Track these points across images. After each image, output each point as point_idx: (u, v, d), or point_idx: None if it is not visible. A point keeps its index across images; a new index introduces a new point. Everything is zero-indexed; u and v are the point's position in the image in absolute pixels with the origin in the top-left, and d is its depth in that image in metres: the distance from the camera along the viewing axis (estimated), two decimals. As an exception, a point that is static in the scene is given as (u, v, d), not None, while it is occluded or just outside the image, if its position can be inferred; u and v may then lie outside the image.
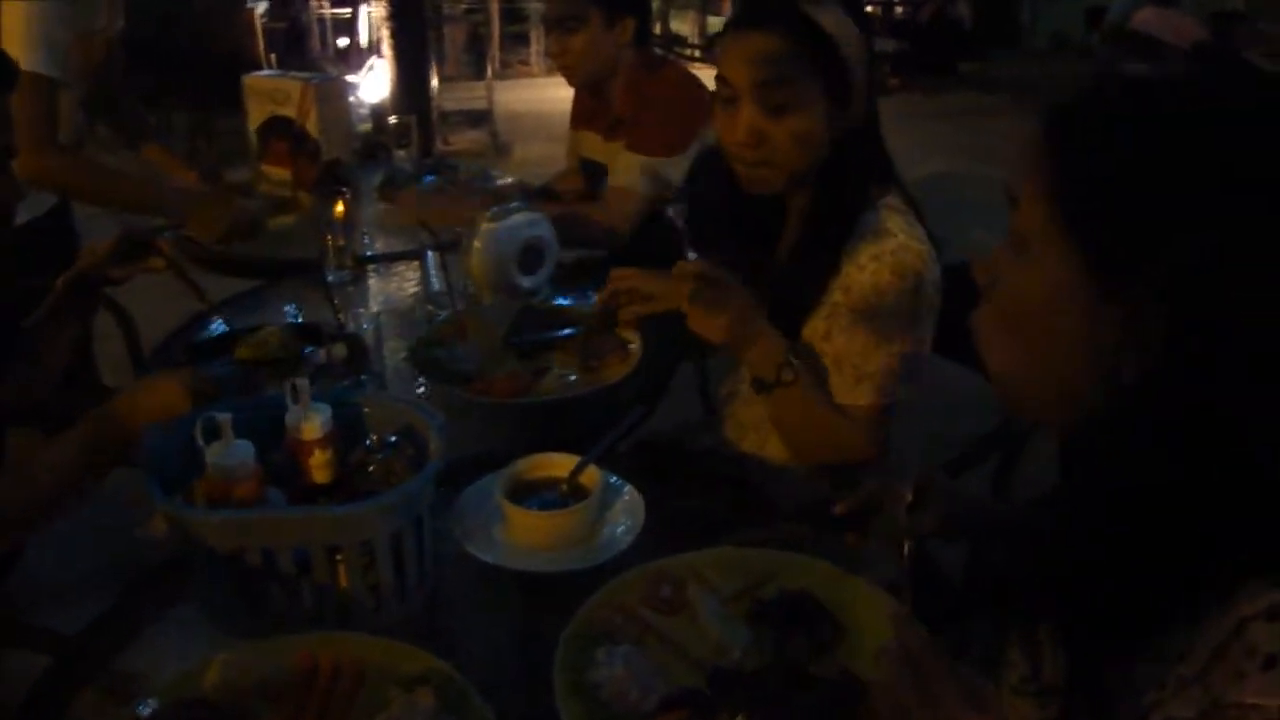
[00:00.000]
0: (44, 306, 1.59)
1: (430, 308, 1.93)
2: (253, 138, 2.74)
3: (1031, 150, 0.78)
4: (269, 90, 2.65)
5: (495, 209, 2.00)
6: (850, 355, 1.47)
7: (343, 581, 1.09)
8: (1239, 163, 0.69)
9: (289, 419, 1.18)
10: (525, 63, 10.07)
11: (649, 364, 1.70)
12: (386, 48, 5.97)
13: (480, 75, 8.07)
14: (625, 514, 1.30)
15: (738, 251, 1.61)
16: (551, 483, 1.33)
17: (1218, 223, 0.69)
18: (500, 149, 6.88)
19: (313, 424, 1.17)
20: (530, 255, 1.99)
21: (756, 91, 1.47)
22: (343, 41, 7.64)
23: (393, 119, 2.95)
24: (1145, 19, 6.52)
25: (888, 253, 1.46)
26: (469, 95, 7.91)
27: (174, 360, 1.78)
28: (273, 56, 6.24)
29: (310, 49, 7.52)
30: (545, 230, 2.00)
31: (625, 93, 2.47)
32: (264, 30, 6.23)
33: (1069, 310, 0.75)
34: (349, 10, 7.62)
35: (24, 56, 1.94)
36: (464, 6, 9.09)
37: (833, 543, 1.26)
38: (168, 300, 1.88)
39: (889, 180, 1.54)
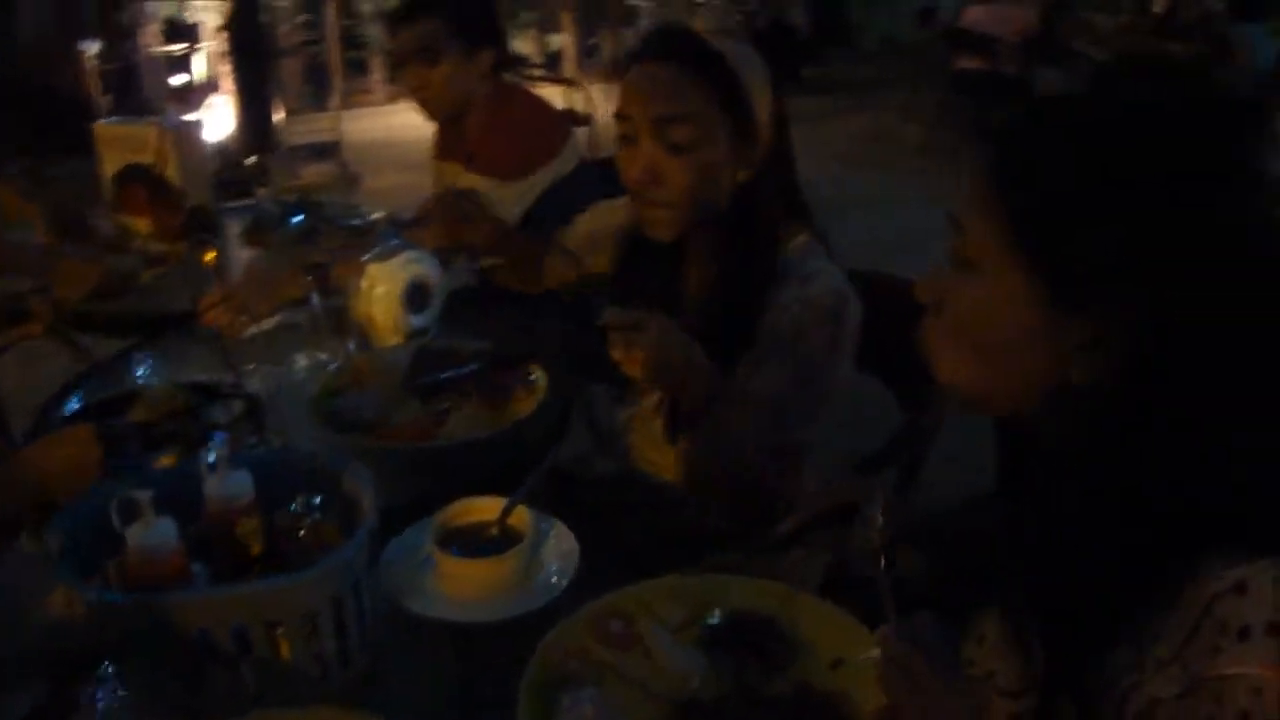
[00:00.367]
0: None
1: (322, 356, 1.88)
2: (108, 187, 2.61)
3: (976, 178, 0.81)
4: (123, 137, 2.54)
5: (376, 249, 1.96)
6: (770, 397, 1.44)
7: (285, 654, 1.05)
8: (1173, 165, 0.74)
9: (209, 489, 1.13)
10: (367, 91, 9.89)
11: (555, 395, 1.68)
12: (227, 83, 5.79)
13: (321, 106, 7.89)
14: (557, 553, 1.29)
15: (639, 293, 1.53)
16: (479, 527, 1.30)
17: (1160, 227, 0.73)
18: (350, 181, 6.72)
19: (235, 492, 1.12)
20: (416, 293, 1.95)
21: (656, 127, 1.42)
22: (178, 79, 7.36)
23: (251, 159, 2.87)
24: (975, 16, 6.83)
25: (810, 296, 1.43)
26: (313, 128, 7.71)
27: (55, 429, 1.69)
28: (107, 99, 5.96)
29: (144, 89, 7.23)
30: (430, 266, 1.97)
31: (480, 123, 2.44)
32: (98, 72, 5.95)
33: (1022, 320, 0.80)
34: (183, 47, 7.35)
35: None
36: (300, 38, 8.89)
37: (763, 564, 1.27)
38: (29, 364, 1.79)
39: (804, 216, 1.52)
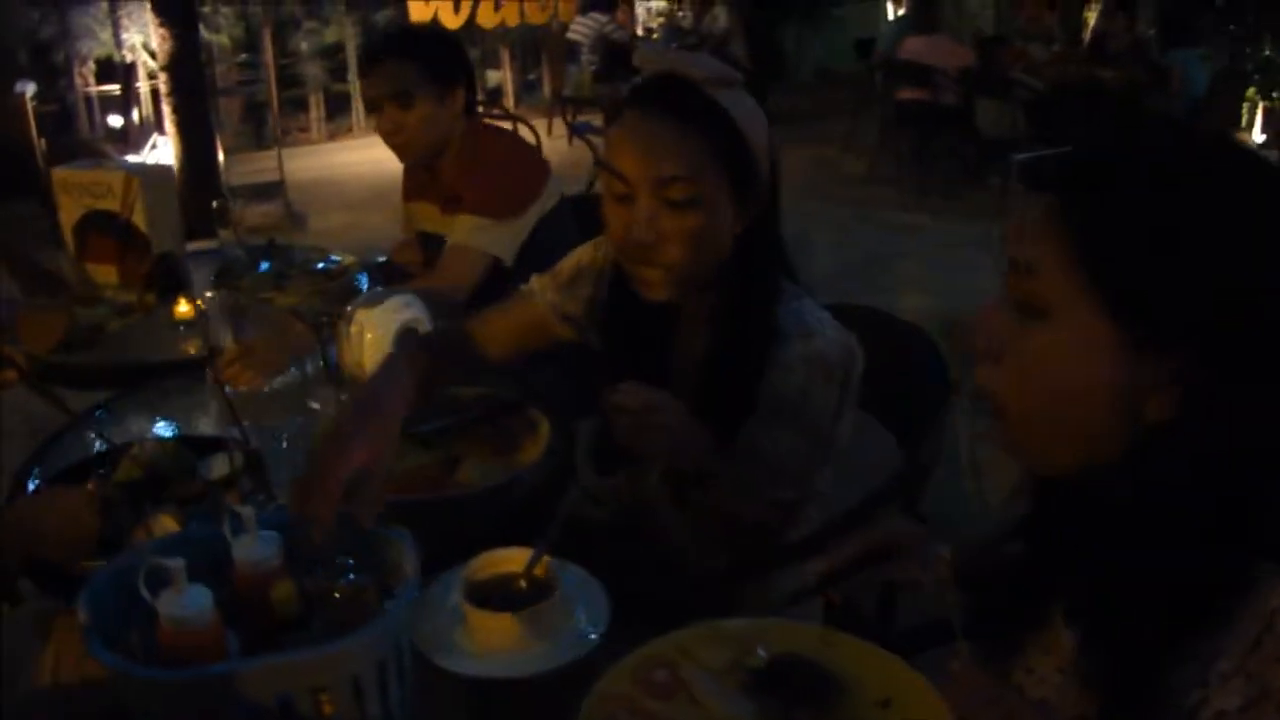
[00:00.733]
0: None
1: (314, 405, 1.84)
2: (67, 234, 2.55)
3: (1046, 221, 0.82)
4: (85, 184, 2.47)
5: (365, 294, 1.93)
6: (779, 458, 1.41)
7: (328, 714, 1.01)
8: (1250, 211, 0.76)
9: (239, 552, 1.09)
10: (305, 130, 9.81)
11: (559, 439, 1.67)
12: (169, 124, 5.69)
13: (259, 146, 7.80)
14: (583, 602, 1.27)
15: (628, 360, 1.49)
16: (506, 580, 1.28)
17: (1240, 268, 0.75)
18: (296, 221, 6.64)
19: (266, 555, 1.09)
20: (407, 339, 1.92)
21: (656, 189, 1.32)
22: (115, 120, 7.23)
23: (216, 204, 2.81)
24: (914, 48, 6.96)
25: (815, 354, 1.38)
26: (253, 168, 7.64)
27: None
28: (41, 142, 5.83)
29: (79, 130, 7.09)
30: (420, 310, 1.95)
31: (457, 164, 2.42)
32: (35, 114, 5.82)
33: (1098, 363, 0.80)
34: (117, 87, 7.23)
35: None
36: (237, 78, 8.80)
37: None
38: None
39: (788, 270, 1.47)
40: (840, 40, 10.82)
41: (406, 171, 2.67)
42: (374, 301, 1.90)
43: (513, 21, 9.70)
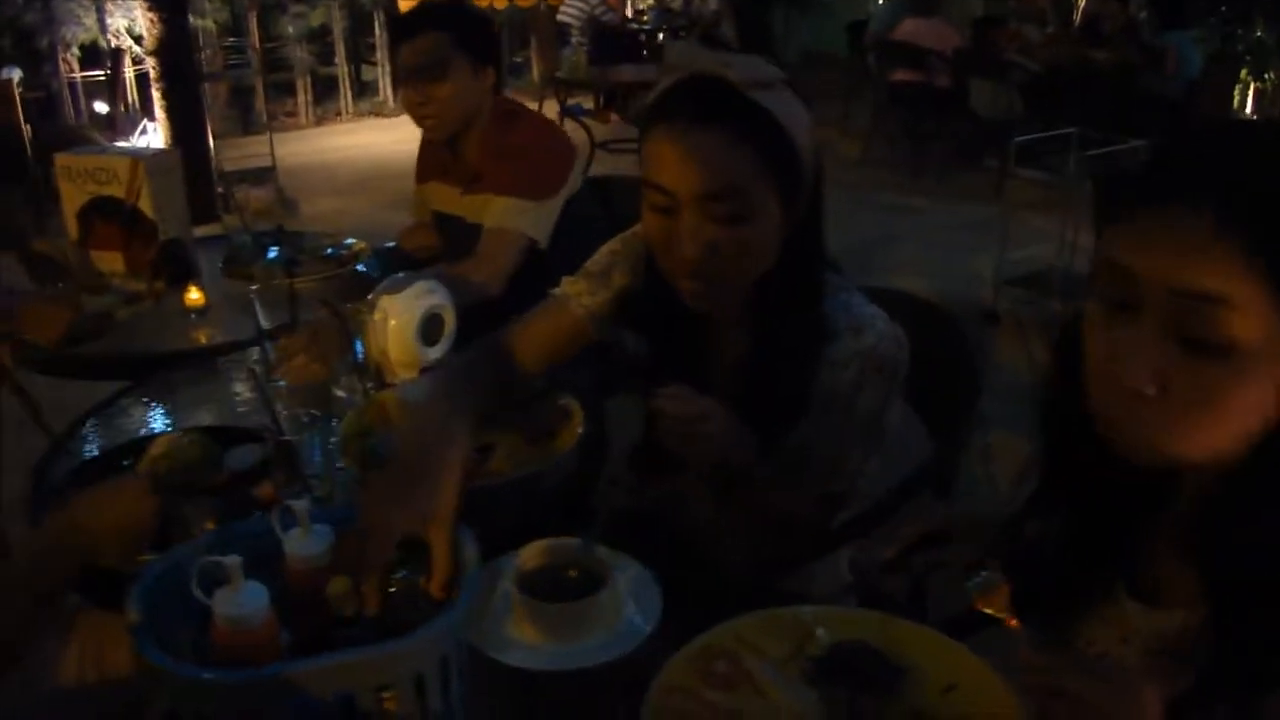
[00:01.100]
0: None
1: (340, 394, 1.80)
2: (71, 222, 2.49)
3: (1215, 243, 0.77)
4: (89, 170, 2.41)
5: (387, 280, 1.90)
6: (830, 454, 1.40)
7: (391, 711, 0.99)
8: None
9: (291, 547, 1.06)
10: (292, 114, 9.71)
11: (591, 425, 1.64)
12: (159, 110, 5.61)
13: (247, 130, 7.71)
14: (633, 592, 1.25)
15: (667, 358, 1.46)
16: (556, 569, 1.25)
17: None
18: (288, 206, 6.58)
19: (319, 550, 1.06)
20: (431, 325, 1.89)
21: (703, 203, 1.26)
22: (101, 107, 7.12)
23: (222, 189, 2.77)
24: (909, 30, 6.93)
25: (867, 349, 1.35)
26: (242, 153, 7.56)
27: (55, 486, 1.59)
28: (27, 128, 5.74)
29: (65, 116, 6.99)
30: (444, 296, 1.91)
31: (483, 144, 2.39)
32: (21, 100, 5.73)
33: (1268, 388, 0.80)
34: (103, 73, 7.13)
35: None
36: (223, 62, 8.70)
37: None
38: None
39: (831, 261, 1.43)
40: (828, 24, 10.75)
41: (422, 152, 2.63)
42: (397, 287, 1.86)
43: (501, 4, 9.61)
